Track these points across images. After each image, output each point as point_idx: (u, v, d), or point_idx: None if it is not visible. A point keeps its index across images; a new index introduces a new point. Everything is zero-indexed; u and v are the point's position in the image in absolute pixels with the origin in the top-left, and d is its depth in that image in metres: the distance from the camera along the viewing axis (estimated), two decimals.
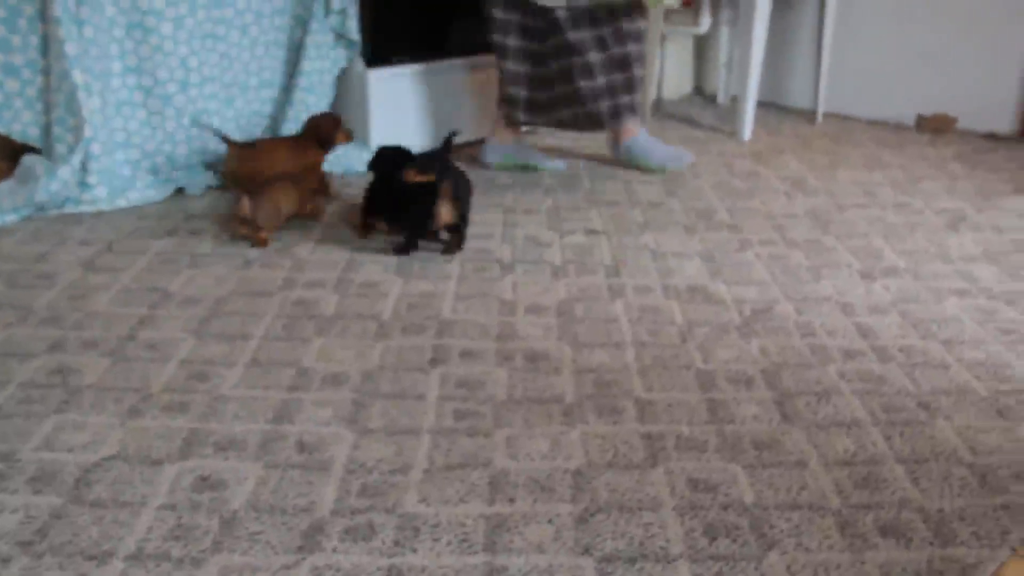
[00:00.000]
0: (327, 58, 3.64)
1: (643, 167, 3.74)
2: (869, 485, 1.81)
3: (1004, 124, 4.45)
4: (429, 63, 3.84)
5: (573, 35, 3.39)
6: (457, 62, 3.93)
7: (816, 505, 1.75)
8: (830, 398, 2.12)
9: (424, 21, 3.86)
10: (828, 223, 3.26)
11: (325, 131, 3.31)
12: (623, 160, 3.79)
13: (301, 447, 1.89)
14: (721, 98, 5.10)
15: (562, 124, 3.60)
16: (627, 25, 3.47)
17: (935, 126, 4.59)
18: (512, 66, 3.55)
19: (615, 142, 3.77)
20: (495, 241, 3.00)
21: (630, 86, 3.53)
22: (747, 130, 4.35)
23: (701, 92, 5.30)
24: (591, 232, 3.09)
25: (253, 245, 2.90)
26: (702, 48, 5.23)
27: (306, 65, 3.59)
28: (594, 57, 3.42)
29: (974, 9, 4.39)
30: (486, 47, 3.64)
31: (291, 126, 3.59)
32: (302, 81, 3.60)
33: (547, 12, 3.40)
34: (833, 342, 2.39)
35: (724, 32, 5.00)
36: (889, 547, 1.64)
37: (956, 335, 2.46)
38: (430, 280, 2.70)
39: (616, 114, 3.55)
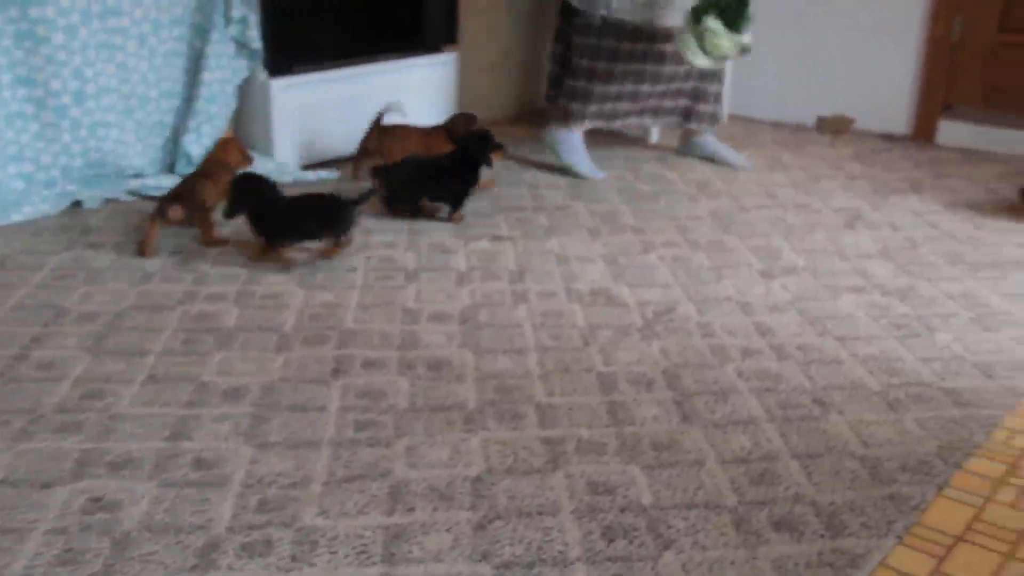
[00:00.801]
0: (228, 68, 3.59)
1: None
2: (764, 481, 1.85)
3: (899, 125, 4.57)
4: (335, 70, 3.81)
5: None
6: (365, 68, 3.90)
7: (712, 503, 1.78)
8: (728, 397, 2.16)
9: (329, 27, 3.84)
10: (730, 224, 3.32)
11: (458, 128, 3.57)
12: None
13: (198, 464, 1.86)
14: None
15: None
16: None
17: (834, 127, 4.70)
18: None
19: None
20: (399, 249, 2.99)
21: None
22: (654, 133, 4.40)
23: None
24: (496, 238, 3.10)
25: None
26: None
27: (207, 75, 3.53)
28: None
29: (870, 14, 4.50)
30: (394, 49, 3.62)
31: (193, 137, 3.53)
32: (203, 91, 3.54)
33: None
34: (732, 341, 2.43)
35: None
36: (782, 541, 1.68)
37: (851, 331, 2.52)
38: (333, 290, 2.68)
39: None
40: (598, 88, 3.80)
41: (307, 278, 2.75)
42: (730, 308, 2.63)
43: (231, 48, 3.57)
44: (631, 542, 1.66)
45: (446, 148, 3.45)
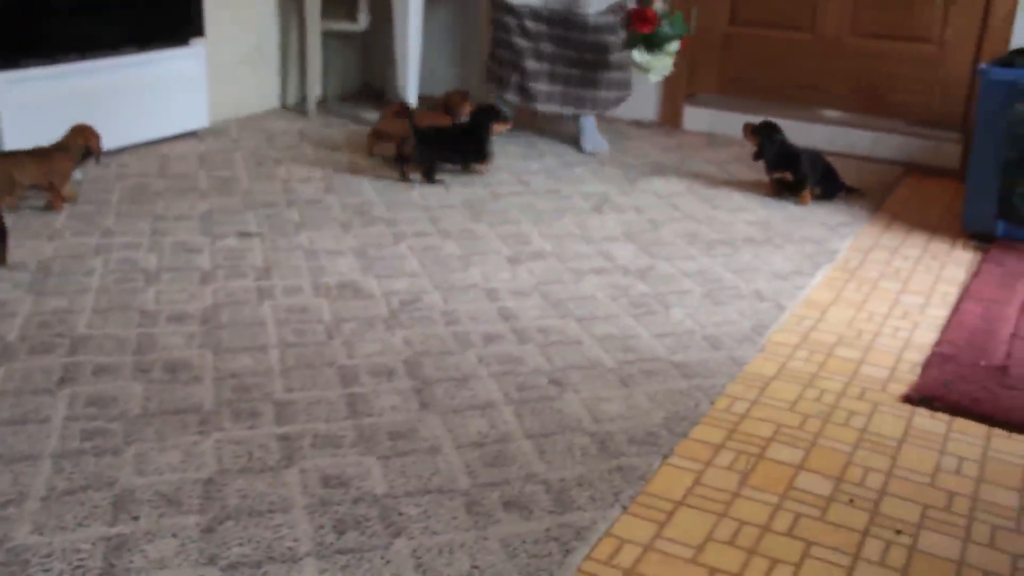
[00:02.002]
0: None
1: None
2: (498, 463, 1.89)
3: (649, 112, 4.77)
4: (67, 64, 3.62)
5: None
6: (102, 62, 3.72)
7: (446, 488, 1.80)
8: (468, 382, 2.19)
9: (64, 19, 3.63)
10: (482, 212, 3.37)
11: (453, 102, 4.02)
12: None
13: None
14: (388, 95, 5.13)
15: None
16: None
17: None
18: None
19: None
20: (141, 251, 2.88)
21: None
22: None
23: (369, 89, 5.32)
24: (244, 235, 3.04)
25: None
26: (367, 45, 5.25)
27: None
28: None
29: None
30: (138, 42, 3.47)
31: None
32: None
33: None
34: (476, 327, 2.47)
35: (387, 29, 5.03)
36: (512, 520, 1.72)
37: (591, 312, 2.61)
38: (66, 296, 2.55)
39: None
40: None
41: (37, 284, 2.61)
42: (475, 295, 2.67)
43: None
44: (362, 532, 1.66)
45: (447, 121, 3.93)
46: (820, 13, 4.37)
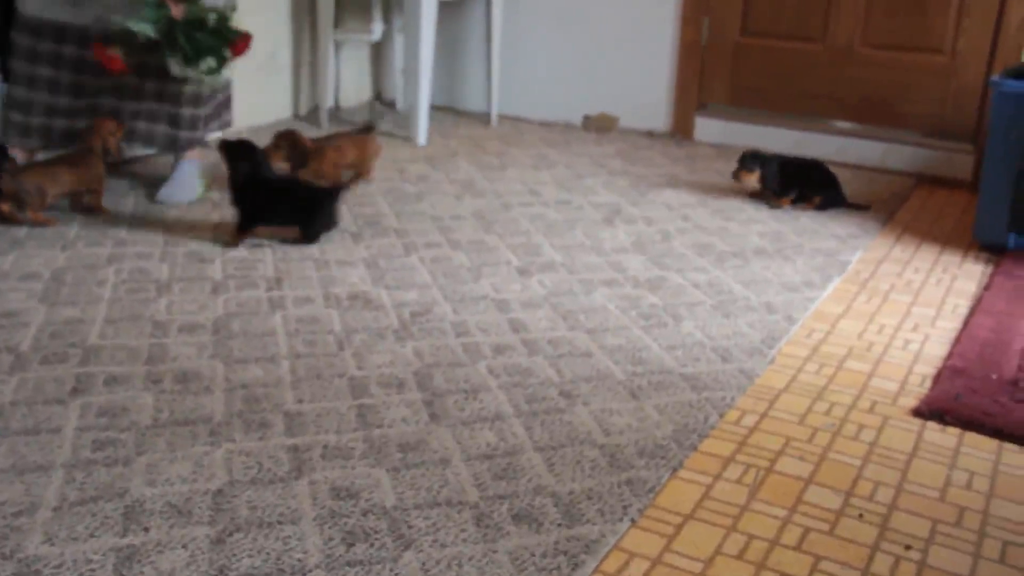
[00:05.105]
0: None
1: None
2: (507, 476, 1.89)
3: (660, 123, 4.77)
4: None
5: None
6: None
7: (455, 500, 1.80)
8: (478, 394, 2.20)
9: None
10: (493, 223, 3.38)
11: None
12: None
13: None
14: (400, 104, 5.16)
15: None
16: None
17: (599, 125, 4.86)
18: None
19: None
20: (154, 260, 2.90)
21: None
22: (422, 135, 4.43)
23: (381, 98, 5.34)
24: (256, 246, 3.05)
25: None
26: (379, 55, 5.27)
27: None
28: None
29: (627, 18, 4.68)
30: None
31: None
32: None
33: None
34: (486, 339, 2.48)
35: (399, 39, 5.06)
36: (521, 533, 1.72)
37: (601, 323, 2.61)
38: (78, 305, 2.57)
39: None
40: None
41: (50, 294, 2.62)
42: (486, 306, 2.68)
43: None
44: (371, 545, 1.67)
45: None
46: (831, 23, 4.37)
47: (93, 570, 1.58)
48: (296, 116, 4.82)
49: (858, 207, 3.71)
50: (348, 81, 5.11)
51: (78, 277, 2.74)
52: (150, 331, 2.44)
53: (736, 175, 3.75)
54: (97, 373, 2.22)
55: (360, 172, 3.71)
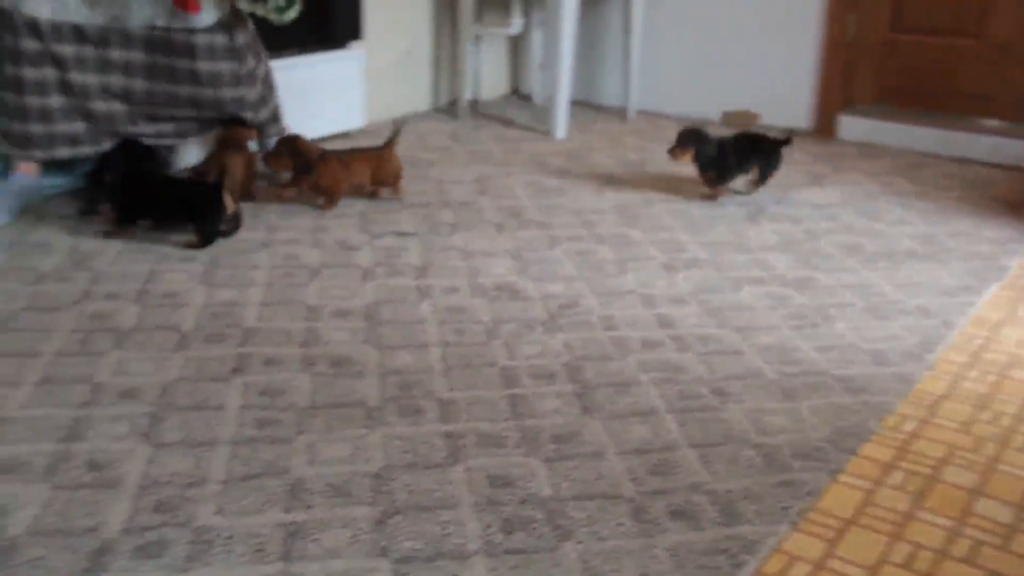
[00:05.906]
0: None
1: None
2: (662, 471, 1.87)
3: (802, 120, 4.67)
4: None
5: None
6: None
7: (611, 494, 1.79)
8: (629, 388, 2.18)
9: None
10: (635, 218, 3.35)
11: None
12: None
13: (92, 465, 1.82)
14: (537, 98, 5.17)
15: None
16: None
17: (739, 121, 4.78)
18: None
19: None
20: (304, 246, 2.96)
21: None
22: (561, 129, 4.42)
23: (518, 92, 5.36)
24: (402, 234, 3.09)
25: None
26: (517, 49, 5.29)
27: None
28: None
29: (771, 12, 4.59)
30: (298, 46, 3.55)
31: None
32: None
33: None
34: (634, 334, 2.46)
35: (538, 33, 5.08)
36: (679, 530, 1.70)
37: (750, 322, 2.56)
38: (234, 288, 2.64)
39: None
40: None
41: (208, 276, 2.71)
42: (633, 301, 2.66)
43: None
44: (530, 534, 1.67)
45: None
46: (989, 18, 4.21)
47: (262, 544, 1.62)
48: (435, 109, 4.87)
49: (785, 142, 3.60)
50: (486, 75, 5.14)
51: (233, 261, 2.82)
52: (303, 315, 2.50)
53: (671, 151, 3.60)
54: (256, 354, 2.28)
55: (382, 186, 3.47)
